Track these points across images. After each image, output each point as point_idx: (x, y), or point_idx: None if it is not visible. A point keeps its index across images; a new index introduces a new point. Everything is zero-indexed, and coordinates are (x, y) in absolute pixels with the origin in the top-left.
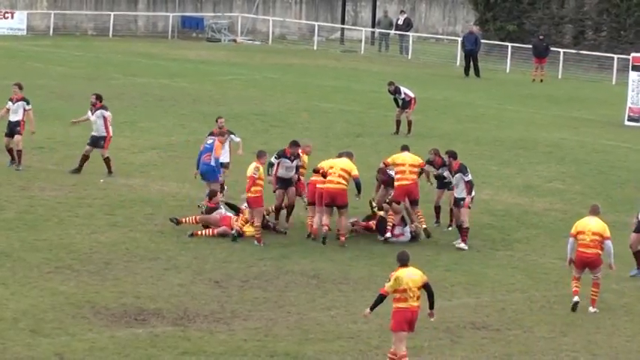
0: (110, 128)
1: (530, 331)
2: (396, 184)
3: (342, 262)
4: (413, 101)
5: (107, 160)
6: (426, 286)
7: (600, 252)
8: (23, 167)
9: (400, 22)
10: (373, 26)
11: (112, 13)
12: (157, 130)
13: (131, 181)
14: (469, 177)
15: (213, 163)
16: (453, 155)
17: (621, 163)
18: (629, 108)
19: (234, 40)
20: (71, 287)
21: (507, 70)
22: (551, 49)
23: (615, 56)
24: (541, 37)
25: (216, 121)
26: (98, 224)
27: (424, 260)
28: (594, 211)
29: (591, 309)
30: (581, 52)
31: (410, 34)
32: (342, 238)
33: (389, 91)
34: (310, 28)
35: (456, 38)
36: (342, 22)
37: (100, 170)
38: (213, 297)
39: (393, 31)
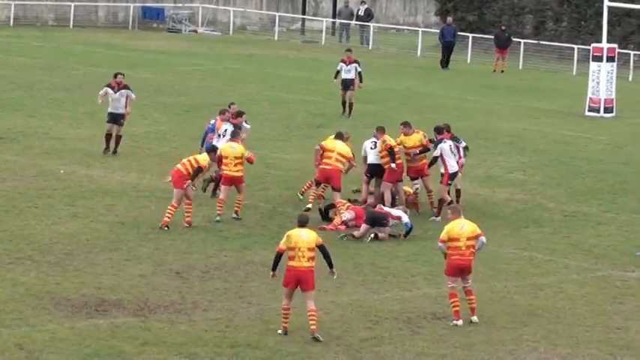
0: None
1: (491, 322)
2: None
3: None
4: (356, 81)
5: (119, 139)
6: (320, 248)
7: (472, 257)
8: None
9: (361, 12)
10: (334, 17)
11: (73, 4)
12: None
13: (92, 171)
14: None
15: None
16: (438, 130)
17: (581, 154)
18: (590, 98)
19: (195, 31)
20: (31, 278)
21: (468, 61)
22: (513, 39)
23: (576, 47)
24: (503, 27)
25: (229, 107)
26: (59, 215)
27: (385, 251)
28: (458, 213)
29: (475, 318)
30: (542, 42)
31: (371, 24)
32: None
33: (346, 58)
34: (271, 19)
35: (417, 29)
36: (303, 13)
37: (62, 161)
38: (173, 288)
39: (353, 22)
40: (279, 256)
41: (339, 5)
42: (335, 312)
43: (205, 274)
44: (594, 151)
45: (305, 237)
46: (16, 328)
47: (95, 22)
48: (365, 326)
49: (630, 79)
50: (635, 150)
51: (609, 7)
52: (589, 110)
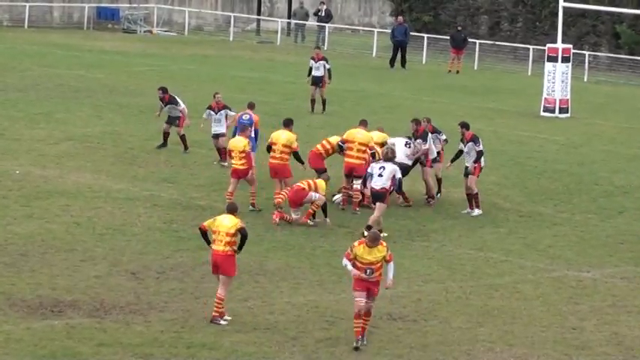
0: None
1: (447, 322)
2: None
3: (259, 253)
4: (325, 78)
5: (183, 138)
6: (240, 230)
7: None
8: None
9: (322, 13)
10: (289, 17)
11: (28, 4)
12: (72, 121)
13: (47, 172)
14: (480, 147)
15: (253, 134)
16: (465, 126)
17: (537, 154)
18: (545, 99)
19: (150, 32)
20: None
21: (423, 61)
22: (468, 40)
23: (531, 47)
24: (459, 28)
25: (214, 96)
26: (14, 215)
27: (341, 251)
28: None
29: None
30: (497, 42)
31: (327, 25)
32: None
33: (315, 55)
34: (226, 19)
35: (372, 29)
36: (258, 13)
37: (17, 161)
38: (129, 288)
39: (315, 22)
40: (202, 232)
41: (295, 6)
42: (291, 312)
43: (161, 275)
44: (550, 152)
45: (226, 222)
46: None
47: (50, 22)
48: (321, 327)
49: (585, 79)
50: (590, 150)
51: (564, 8)
52: (544, 110)
